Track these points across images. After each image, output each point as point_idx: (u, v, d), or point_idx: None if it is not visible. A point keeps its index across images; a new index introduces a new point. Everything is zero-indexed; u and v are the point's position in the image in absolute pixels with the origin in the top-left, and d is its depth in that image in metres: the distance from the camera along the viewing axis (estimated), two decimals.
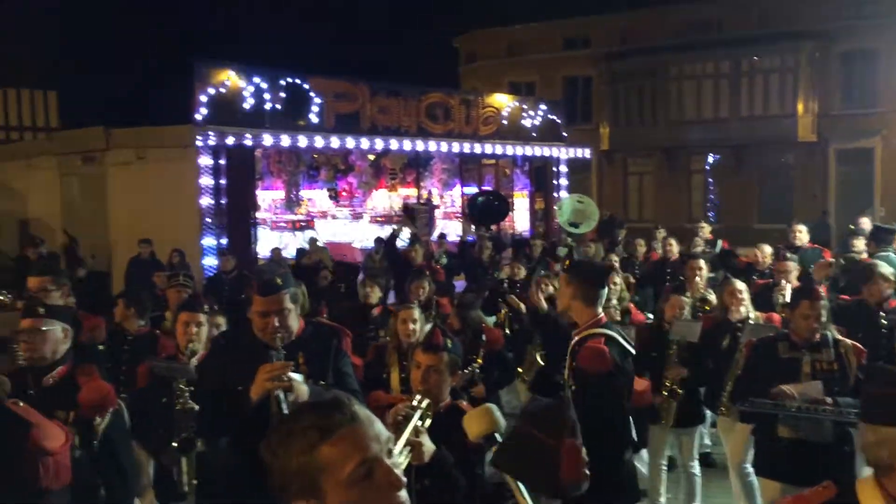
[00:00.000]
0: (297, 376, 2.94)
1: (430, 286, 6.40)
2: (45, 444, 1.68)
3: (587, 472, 2.28)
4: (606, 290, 3.99)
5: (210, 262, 12.38)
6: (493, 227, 15.59)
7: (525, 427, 2.35)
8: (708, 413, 5.89)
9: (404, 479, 1.29)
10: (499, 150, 17.39)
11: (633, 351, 3.90)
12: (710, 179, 25.90)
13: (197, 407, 3.86)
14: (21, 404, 1.77)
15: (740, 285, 5.54)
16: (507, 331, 6.49)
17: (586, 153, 20.09)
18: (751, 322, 5.28)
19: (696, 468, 5.40)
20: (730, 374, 5.09)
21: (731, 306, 5.42)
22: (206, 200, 12.53)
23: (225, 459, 3.27)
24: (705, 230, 11.59)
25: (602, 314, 3.84)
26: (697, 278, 6.64)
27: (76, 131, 15.92)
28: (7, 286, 8.27)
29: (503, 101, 18.19)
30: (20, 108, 29.57)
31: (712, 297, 6.37)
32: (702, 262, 6.88)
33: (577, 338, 3.82)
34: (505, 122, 17.78)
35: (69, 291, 5.10)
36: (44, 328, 3.21)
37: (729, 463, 5.31)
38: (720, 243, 11.08)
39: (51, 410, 2.99)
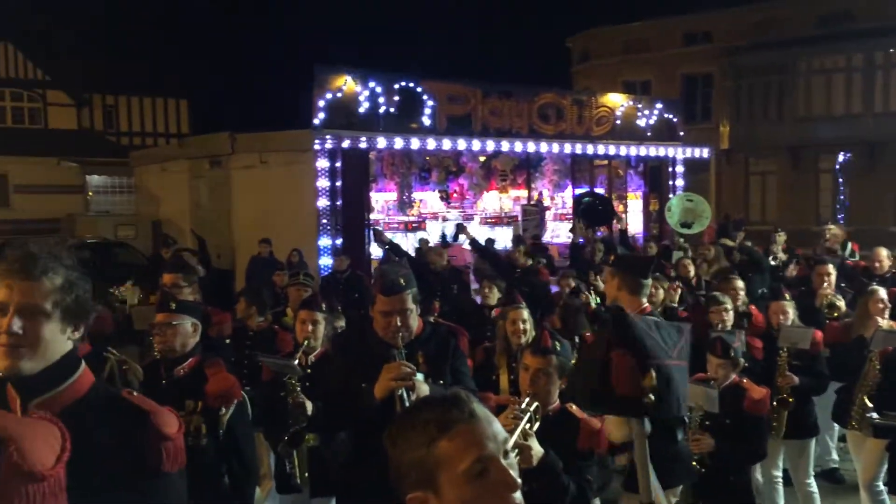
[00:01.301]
0: (418, 375, 3.02)
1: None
2: (164, 429, 1.77)
3: (645, 387, 2.21)
4: (650, 280, 3.98)
5: (326, 261, 12.77)
6: (603, 229, 15.29)
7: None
8: (836, 426, 5.54)
9: (519, 481, 1.29)
10: (612, 150, 17.05)
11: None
12: (840, 179, 24.40)
13: (308, 402, 4.09)
14: (134, 394, 1.87)
15: (883, 293, 5.20)
16: None
17: (704, 153, 19.38)
18: (882, 330, 4.93)
19: (813, 484, 5.07)
20: (860, 385, 4.78)
21: (873, 316, 5.07)
22: (322, 202, 12.94)
23: (345, 455, 3.35)
24: (835, 233, 10.93)
25: (647, 304, 3.80)
26: (825, 283, 6.29)
27: (205, 137, 16.82)
28: (143, 282, 8.87)
29: (617, 101, 17.82)
30: (155, 115, 31.58)
31: (841, 304, 6.01)
32: (830, 267, 6.50)
33: None
34: (618, 121, 17.41)
35: (199, 288, 5.39)
36: (175, 322, 3.42)
37: (859, 480, 4.98)
38: (850, 246, 10.42)
39: (180, 400, 3.20)
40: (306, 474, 4.32)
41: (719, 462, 3.99)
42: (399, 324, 3.18)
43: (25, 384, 1.76)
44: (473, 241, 8.95)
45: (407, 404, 2.93)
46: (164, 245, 11.63)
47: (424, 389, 3.01)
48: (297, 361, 4.21)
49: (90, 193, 21.47)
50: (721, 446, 3.98)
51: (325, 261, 12.80)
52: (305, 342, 4.42)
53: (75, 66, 28.69)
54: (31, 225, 18.16)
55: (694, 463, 4.00)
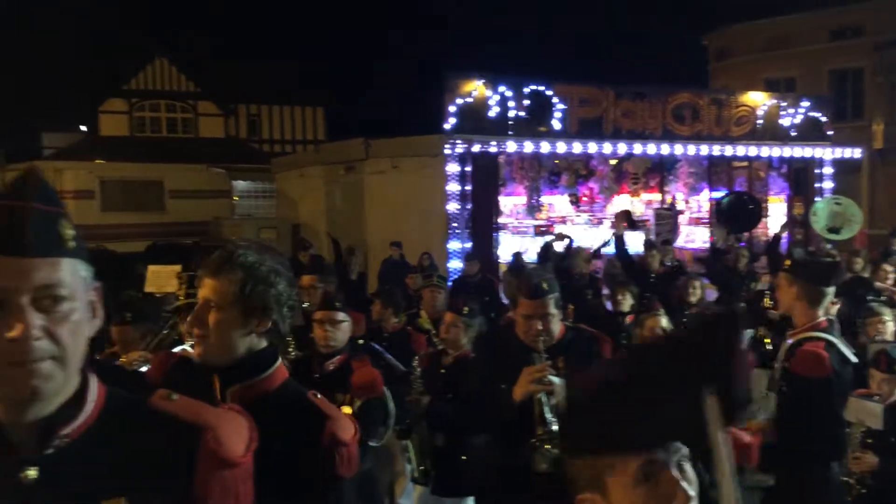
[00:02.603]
0: (557, 380, 3.00)
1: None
2: (341, 435, 1.82)
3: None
4: (833, 289, 3.67)
5: (455, 264, 12.91)
6: (745, 235, 14.57)
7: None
8: None
9: (692, 494, 1.24)
10: (752, 151, 16.22)
11: (854, 360, 3.58)
12: None
13: (424, 398, 4.24)
14: (318, 396, 1.94)
15: None
16: (770, 347, 5.99)
17: (856, 153, 18.07)
18: None
19: None
20: None
21: None
22: (452, 206, 13.09)
23: (482, 456, 3.40)
24: None
25: (823, 318, 3.55)
26: None
27: (339, 143, 17.42)
28: None
29: (758, 100, 16.94)
30: (294, 123, 33.11)
31: None
32: None
33: (792, 340, 3.62)
34: (760, 121, 16.55)
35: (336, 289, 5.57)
36: (338, 319, 3.60)
37: None
38: None
39: (331, 394, 3.34)
40: (421, 467, 4.45)
41: (882, 482, 3.69)
42: (540, 328, 3.18)
43: (224, 372, 1.90)
44: (619, 242, 8.73)
45: (547, 409, 2.92)
46: (302, 249, 12.12)
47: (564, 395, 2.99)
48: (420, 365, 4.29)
49: (235, 198, 22.76)
50: (886, 465, 3.68)
51: (455, 264, 12.93)
52: (444, 340, 4.56)
53: (223, 79, 30.58)
54: (183, 227, 19.48)
55: (854, 482, 3.71)
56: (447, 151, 12.90)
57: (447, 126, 13.20)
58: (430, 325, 5.97)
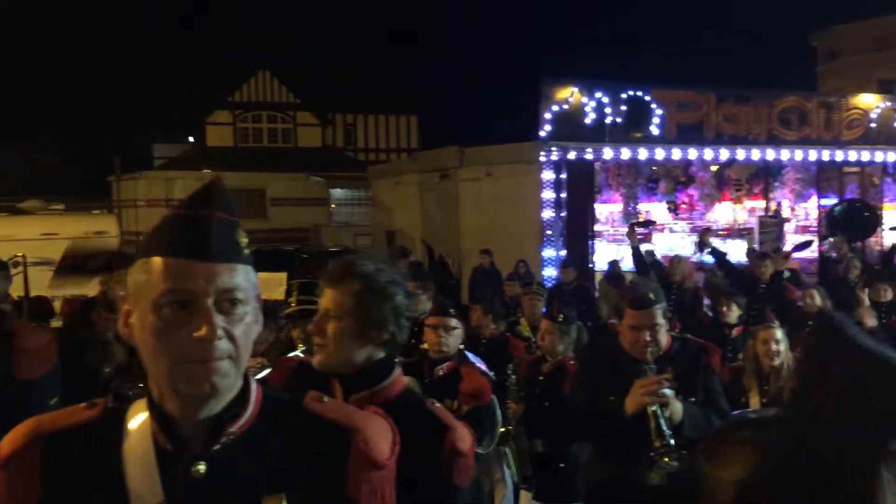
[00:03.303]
0: (669, 392, 2.97)
1: None
2: (460, 445, 1.84)
3: None
4: None
5: (549, 272, 12.81)
6: (857, 244, 13.83)
7: None
8: None
9: None
10: (865, 156, 15.40)
11: None
12: None
13: (516, 405, 4.29)
14: (437, 405, 1.96)
15: None
16: None
17: None
18: None
19: None
20: None
21: None
22: (547, 213, 13.01)
23: (587, 464, 3.36)
24: None
25: None
26: None
27: (434, 151, 17.60)
28: None
29: (871, 101, 16.07)
30: (388, 132, 33.70)
31: None
32: None
33: None
34: (873, 124, 15.69)
35: (433, 296, 5.64)
36: (452, 325, 3.66)
37: None
38: None
39: (440, 399, 3.37)
40: (518, 474, 4.47)
41: None
42: (648, 339, 3.14)
43: (345, 380, 1.96)
44: (718, 253, 8.51)
45: (662, 421, 2.88)
46: (402, 256, 12.29)
47: (677, 406, 2.96)
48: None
49: (333, 205, 23.35)
50: None
51: (549, 272, 12.84)
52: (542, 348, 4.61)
53: (321, 90, 31.48)
54: (284, 234, 20.13)
55: None
56: (542, 158, 12.84)
57: (542, 133, 13.14)
58: (530, 332, 5.98)
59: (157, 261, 1.20)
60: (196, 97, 31.73)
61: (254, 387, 1.29)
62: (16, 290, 5.85)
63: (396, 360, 2.85)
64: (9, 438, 1.25)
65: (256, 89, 31.57)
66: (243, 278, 1.23)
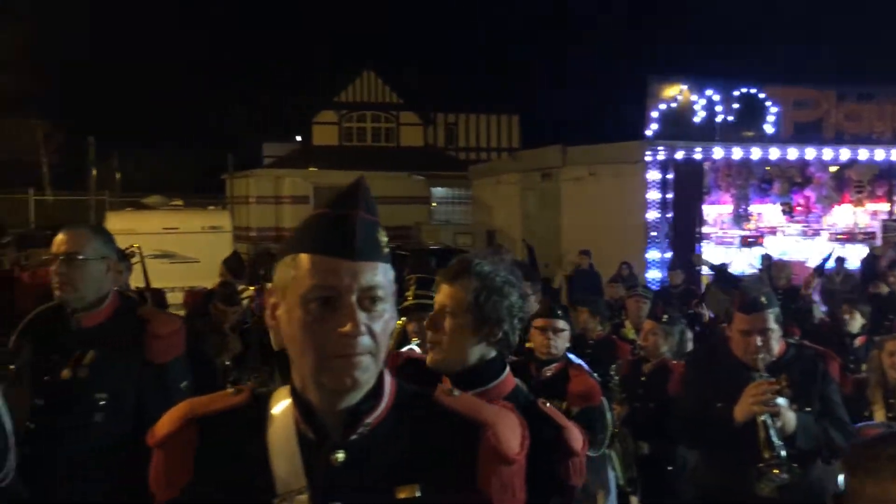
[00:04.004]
0: (782, 401, 2.87)
1: None
2: (573, 445, 1.84)
3: None
4: None
5: (653, 275, 12.52)
6: None
7: None
8: None
9: None
10: None
11: None
12: None
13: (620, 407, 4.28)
14: (548, 405, 1.96)
15: None
16: None
17: None
18: None
19: None
20: None
21: None
22: (652, 214, 12.72)
23: (694, 470, 3.31)
24: None
25: None
26: None
27: (536, 150, 17.51)
28: None
29: None
30: (489, 131, 33.76)
31: None
32: None
33: None
34: None
35: (542, 297, 5.62)
36: (560, 327, 3.68)
37: None
38: None
39: (549, 399, 3.37)
40: (628, 476, 4.41)
41: None
42: (759, 344, 3.02)
43: (458, 379, 1.98)
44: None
45: (773, 431, 2.79)
46: (496, 256, 12.29)
47: (790, 416, 2.85)
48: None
49: (434, 204, 23.63)
50: None
51: (653, 274, 12.55)
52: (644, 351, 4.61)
53: (423, 89, 31.89)
54: (387, 232, 20.43)
55: None
56: (648, 158, 12.57)
57: (649, 132, 12.86)
58: (635, 334, 5.90)
59: (304, 257, 1.24)
60: (304, 98, 32.78)
61: (388, 379, 1.33)
62: (134, 282, 6.18)
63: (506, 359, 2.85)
64: (165, 420, 1.33)
65: (361, 90, 32.28)
66: (383, 276, 1.27)
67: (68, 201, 22.32)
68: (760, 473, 2.80)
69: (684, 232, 12.74)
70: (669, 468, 4.35)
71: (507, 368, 2.06)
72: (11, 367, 2.73)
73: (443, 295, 2.02)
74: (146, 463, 1.33)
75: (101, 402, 2.67)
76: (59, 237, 2.77)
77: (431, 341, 2.03)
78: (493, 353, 2.02)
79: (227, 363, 4.99)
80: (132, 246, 6.32)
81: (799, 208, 14.70)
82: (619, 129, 15.35)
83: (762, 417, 2.82)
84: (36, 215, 21.16)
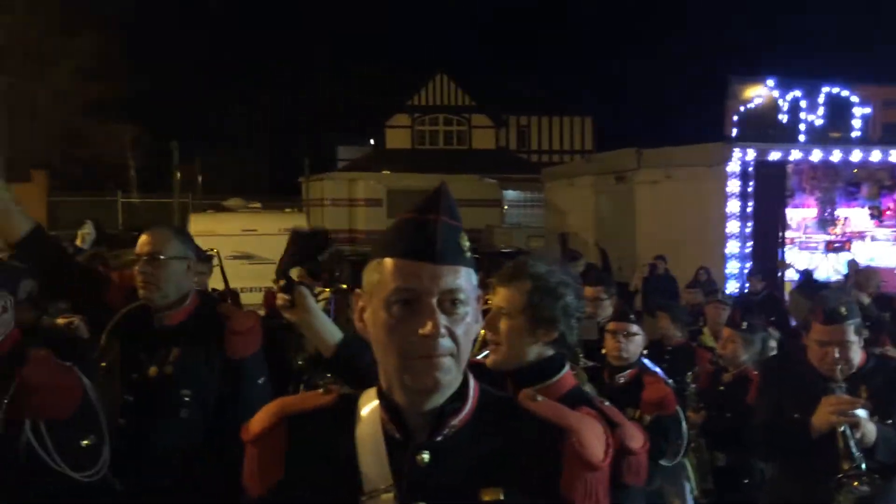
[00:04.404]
0: (862, 412, 2.82)
1: None
2: (629, 443, 1.83)
3: None
4: None
5: (733, 281, 12.18)
6: None
7: None
8: None
9: None
10: None
11: None
12: None
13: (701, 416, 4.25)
14: (606, 403, 1.96)
15: None
16: None
17: None
18: None
19: None
20: None
21: None
22: (732, 218, 12.37)
23: (771, 482, 3.25)
24: None
25: None
26: None
27: (610, 153, 17.24)
28: None
29: None
30: (562, 133, 33.51)
31: None
32: None
33: None
34: None
35: (615, 301, 5.53)
36: (633, 332, 3.65)
37: None
38: None
39: (622, 408, 3.32)
40: (698, 488, 4.36)
41: None
42: (837, 356, 2.97)
43: (515, 376, 2.02)
44: None
45: (852, 443, 2.75)
46: (571, 259, 12.17)
47: (870, 428, 2.80)
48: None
49: (505, 207, 23.57)
50: None
51: (733, 281, 12.21)
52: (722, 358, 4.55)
53: (496, 92, 31.87)
54: None
55: None
56: (729, 160, 12.21)
57: (730, 133, 12.50)
58: (714, 341, 5.78)
59: (388, 261, 1.28)
60: (377, 102, 33.23)
61: (472, 382, 1.34)
62: (213, 284, 6.37)
63: (580, 363, 2.84)
64: (258, 418, 1.38)
65: (434, 93, 32.51)
66: (465, 280, 1.29)
67: (154, 203, 23.24)
68: (840, 485, 2.75)
69: (766, 236, 12.32)
70: (746, 481, 4.26)
71: (567, 367, 2.09)
72: (103, 364, 2.86)
73: (499, 297, 2.07)
74: (230, 457, 1.37)
75: (186, 398, 2.77)
76: (143, 238, 2.89)
77: (491, 342, 2.08)
78: (550, 352, 2.05)
79: (300, 363, 5.06)
80: (211, 249, 6.52)
81: (888, 213, 14.04)
82: (697, 131, 14.98)
83: (841, 428, 2.78)
84: (123, 217, 22.10)
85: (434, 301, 1.24)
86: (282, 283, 2.23)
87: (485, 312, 3.26)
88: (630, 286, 11.21)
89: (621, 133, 27.36)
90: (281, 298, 2.29)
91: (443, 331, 1.24)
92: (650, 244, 13.37)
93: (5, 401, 2.21)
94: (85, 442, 2.25)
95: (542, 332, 2.01)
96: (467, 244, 1.32)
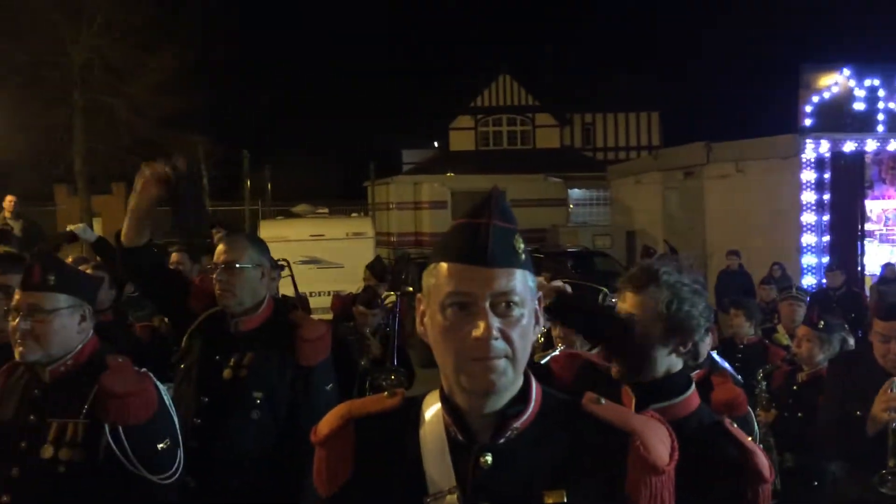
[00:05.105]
0: None
1: None
2: (762, 470, 1.79)
3: None
4: None
5: (810, 276, 11.77)
6: None
7: None
8: None
9: None
10: None
11: None
12: None
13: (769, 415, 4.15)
14: (734, 426, 1.93)
15: None
16: None
17: None
18: None
19: None
20: None
21: None
22: (808, 212, 11.96)
23: (843, 483, 3.21)
24: None
25: None
26: None
27: (678, 148, 16.90)
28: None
29: None
30: (628, 130, 32.97)
31: None
32: None
33: None
34: None
35: None
36: None
37: None
38: None
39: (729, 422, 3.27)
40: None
41: None
42: None
43: (640, 389, 1.97)
44: None
45: None
46: (647, 255, 11.97)
47: None
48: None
49: (571, 206, 23.31)
50: None
51: (809, 276, 11.80)
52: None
53: (559, 90, 31.60)
54: (523, 235, 20.35)
55: None
56: (803, 152, 11.81)
57: (803, 124, 12.09)
58: (788, 340, 5.61)
59: (443, 266, 1.30)
60: (441, 104, 33.41)
61: (534, 385, 1.35)
62: (283, 290, 6.52)
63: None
64: (326, 421, 1.42)
65: (497, 94, 32.45)
66: (520, 282, 1.29)
67: (225, 211, 23.90)
68: (884, 480, 2.71)
69: (844, 229, 11.86)
70: (816, 483, 4.10)
71: (693, 385, 2.00)
72: (182, 365, 2.97)
73: (629, 304, 1.99)
74: (299, 459, 1.40)
75: (258, 400, 2.85)
76: (220, 247, 2.99)
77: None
78: (679, 366, 1.98)
79: (364, 365, 5.12)
80: (282, 259, 6.69)
81: None
82: (768, 123, 14.54)
83: (893, 425, 2.73)
84: None
85: (486, 304, 1.25)
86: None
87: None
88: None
89: (689, 127, 26.78)
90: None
91: (495, 333, 1.24)
92: (721, 240, 13.07)
93: (86, 406, 2.32)
94: (161, 446, 2.34)
95: (677, 341, 1.94)
96: (522, 246, 1.32)
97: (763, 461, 1.77)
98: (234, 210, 23.40)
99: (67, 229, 5.66)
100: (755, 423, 3.46)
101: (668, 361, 1.96)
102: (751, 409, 3.46)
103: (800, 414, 4.18)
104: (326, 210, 16.25)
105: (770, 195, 12.52)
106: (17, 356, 2.39)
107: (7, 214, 11.47)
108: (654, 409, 1.83)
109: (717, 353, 5.12)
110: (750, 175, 13.27)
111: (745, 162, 13.44)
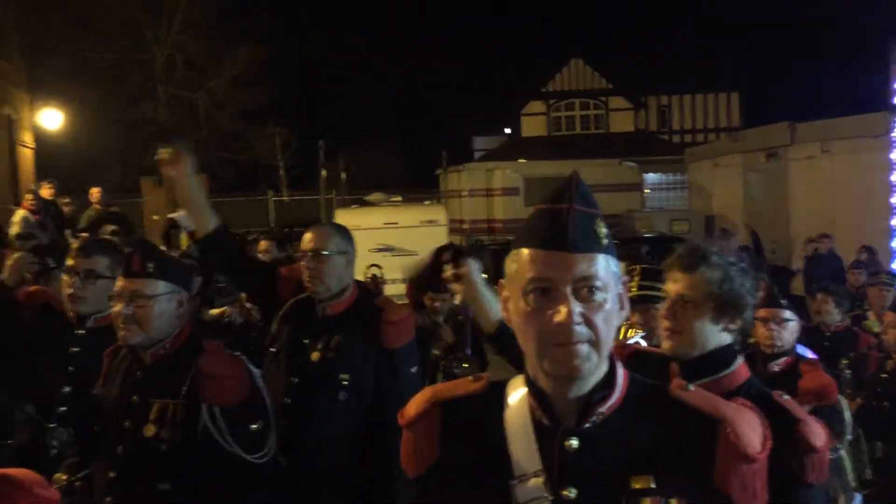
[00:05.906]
0: None
1: None
2: (813, 440, 1.76)
3: None
4: None
5: None
6: None
7: None
8: None
9: None
10: None
11: None
12: None
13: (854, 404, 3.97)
14: (785, 397, 1.89)
15: None
16: None
17: None
18: None
19: None
20: None
21: None
22: None
23: None
24: None
25: None
26: None
27: (760, 129, 16.36)
28: None
29: None
30: (706, 111, 32.08)
31: None
32: None
33: None
34: None
35: (765, 285, 5.29)
36: (786, 317, 3.51)
37: None
38: None
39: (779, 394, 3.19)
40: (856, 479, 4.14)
41: None
42: None
43: (689, 366, 2.01)
44: None
45: None
46: (723, 237, 11.66)
47: None
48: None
49: (646, 191, 22.87)
50: None
51: None
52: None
53: (633, 73, 30.97)
54: None
55: None
56: (892, 130, 11.25)
57: (892, 101, 11.50)
58: (879, 326, 5.40)
59: (524, 251, 1.31)
60: (511, 90, 33.22)
61: (620, 371, 1.35)
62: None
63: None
64: (413, 403, 1.45)
65: (569, 78, 32.07)
66: (602, 267, 1.28)
67: (302, 201, 24.43)
68: None
69: None
70: None
71: (741, 358, 2.05)
72: (272, 349, 3.10)
73: (680, 284, 2.04)
74: (385, 442, 1.45)
75: (345, 382, 2.95)
76: (307, 235, 3.10)
77: (668, 329, 2.05)
78: (728, 341, 2.03)
79: (436, 353, 5.10)
80: (373, 272, 6.76)
81: None
82: (857, 100, 13.89)
83: None
84: (275, 214, 23.39)
85: (568, 289, 1.25)
86: (448, 255, 2.29)
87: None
88: (792, 268, 10.59)
89: (771, 107, 25.82)
90: (448, 270, 2.36)
91: (577, 318, 1.24)
92: (806, 223, 12.63)
93: (184, 388, 2.44)
94: (254, 427, 2.44)
95: (728, 319, 2.01)
96: (604, 231, 1.31)
97: (815, 430, 1.77)
98: (309, 199, 23.90)
99: (168, 216, 6.10)
100: (846, 411, 3.37)
101: (719, 338, 2.02)
102: (841, 398, 3.37)
103: (886, 403, 4.08)
104: (400, 198, 16.39)
105: (859, 176, 12.01)
106: (119, 340, 2.52)
107: (97, 206, 12.13)
108: (700, 383, 1.82)
109: (803, 342, 5.01)
110: (837, 155, 12.77)
111: (831, 142, 12.93)
